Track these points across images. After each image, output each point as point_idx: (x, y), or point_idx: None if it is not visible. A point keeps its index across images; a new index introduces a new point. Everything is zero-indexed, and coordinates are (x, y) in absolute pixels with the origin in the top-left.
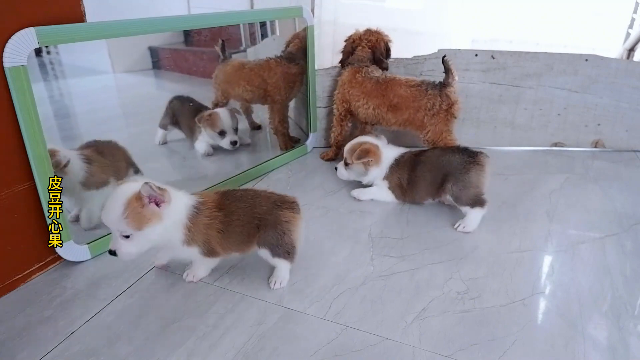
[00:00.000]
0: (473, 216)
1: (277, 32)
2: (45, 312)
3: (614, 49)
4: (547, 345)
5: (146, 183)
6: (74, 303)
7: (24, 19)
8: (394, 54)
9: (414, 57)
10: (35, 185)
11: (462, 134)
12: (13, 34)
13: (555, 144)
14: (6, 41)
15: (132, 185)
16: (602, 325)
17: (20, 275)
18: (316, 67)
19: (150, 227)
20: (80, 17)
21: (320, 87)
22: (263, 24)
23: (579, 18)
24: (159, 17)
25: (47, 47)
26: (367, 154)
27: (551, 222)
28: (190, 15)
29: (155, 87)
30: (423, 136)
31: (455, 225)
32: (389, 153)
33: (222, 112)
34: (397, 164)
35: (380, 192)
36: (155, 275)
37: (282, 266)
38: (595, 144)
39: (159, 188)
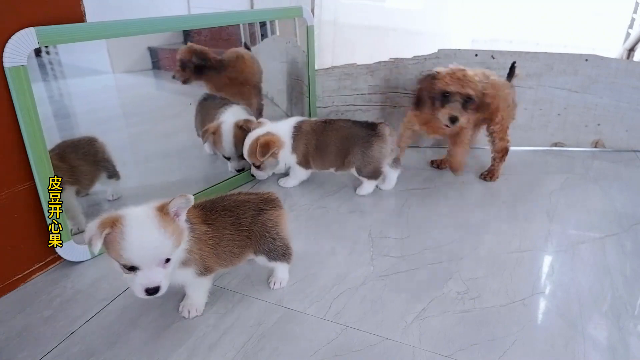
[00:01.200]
0: (369, 185)
1: (277, 32)
2: (45, 312)
3: (614, 49)
4: (547, 345)
5: (182, 196)
6: (74, 303)
7: (24, 19)
8: (394, 53)
9: (414, 57)
10: (35, 185)
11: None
12: (13, 34)
13: (555, 144)
14: (6, 41)
15: (138, 211)
16: (602, 325)
17: (20, 275)
18: (316, 67)
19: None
20: (80, 17)
21: (320, 87)
22: (263, 24)
23: (579, 18)
24: (159, 17)
25: (46, 47)
26: (268, 147)
27: (551, 222)
28: (190, 15)
29: (154, 87)
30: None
31: (356, 191)
32: (282, 127)
33: (226, 137)
34: (299, 130)
35: (297, 172)
36: None
37: (281, 267)
38: (595, 144)
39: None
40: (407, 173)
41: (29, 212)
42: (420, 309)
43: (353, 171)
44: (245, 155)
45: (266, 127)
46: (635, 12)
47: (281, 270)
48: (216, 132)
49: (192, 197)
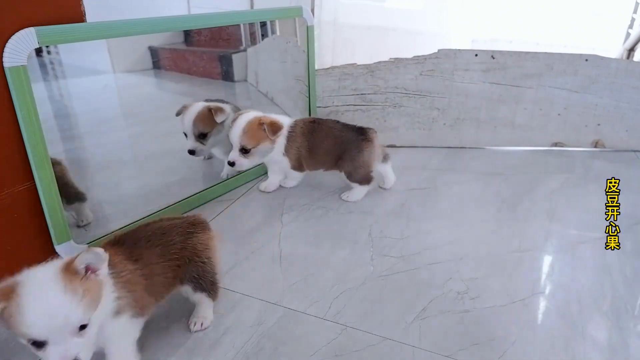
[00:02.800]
0: (359, 190)
1: (277, 32)
2: None
3: (614, 49)
4: (547, 345)
5: (89, 250)
6: None
7: (24, 19)
8: (394, 54)
9: (414, 57)
10: (35, 185)
11: (463, 134)
12: (13, 34)
13: (555, 144)
14: (6, 41)
15: (39, 274)
16: (602, 325)
17: None
18: (316, 67)
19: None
20: (80, 17)
21: (320, 87)
22: (263, 24)
23: (579, 18)
24: (159, 17)
25: (47, 47)
26: (279, 126)
27: (551, 222)
28: (190, 15)
29: (155, 87)
30: None
31: (343, 197)
32: (283, 120)
33: (192, 109)
34: (294, 132)
35: (291, 174)
36: None
37: (205, 302)
38: (595, 144)
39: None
40: (407, 173)
41: (29, 212)
42: (420, 309)
43: (342, 176)
44: (237, 136)
45: (261, 114)
46: (635, 12)
47: (205, 306)
48: (187, 107)
49: (101, 251)
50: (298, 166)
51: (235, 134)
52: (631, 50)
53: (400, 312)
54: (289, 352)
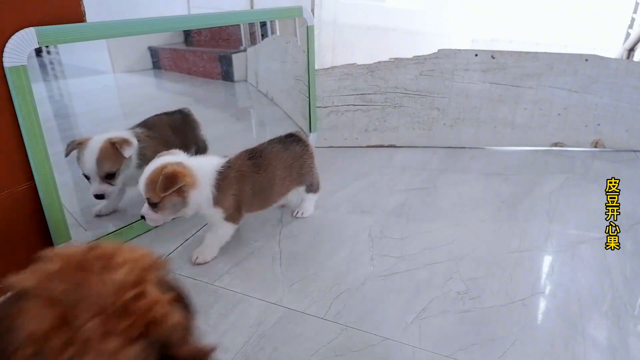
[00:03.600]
0: (312, 201)
1: (278, 32)
2: None
3: (614, 49)
4: (547, 345)
5: None
6: None
7: (23, 19)
8: (394, 53)
9: (414, 57)
10: (35, 185)
11: (462, 134)
12: (13, 34)
13: (555, 144)
14: (6, 41)
15: None
16: (602, 325)
17: None
18: (316, 67)
19: None
20: (80, 17)
21: (320, 87)
22: (263, 24)
23: (579, 18)
24: (159, 17)
25: (47, 47)
26: (175, 179)
27: (551, 222)
28: (190, 15)
29: (155, 87)
30: None
31: (295, 214)
32: (204, 166)
33: (91, 146)
34: (225, 177)
35: (222, 230)
36: None
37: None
38: (595, 144)
39: None
40: (407, 173)
41: (29, 212)
42: (420, 309)
43: (302, 190)
44: (141, 187)
45: (179, 157)
46: (635, 12)
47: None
48: (82, 143)
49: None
50: (236, 215)
51: (140, 183)
52: (631, 50)
53: (400, 312)
54: (288, 352)
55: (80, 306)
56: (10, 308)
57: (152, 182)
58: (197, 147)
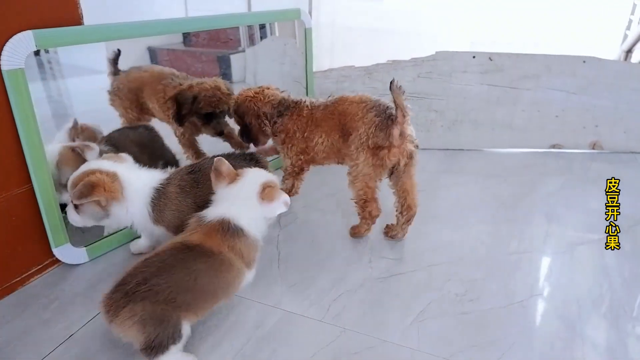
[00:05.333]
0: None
1: (276, 33)
2: (43, 315)
3: (611, 51)
4: (545, 347)
5: None
6: (72, 306)
7: (21, 22)
8: (392, 56)
9: (412, 59)
10: (33, 188)
11: (461, 136)
12: (11, 37)
13: (554, 146)
14: (4, 44)
15: None
16: (601, 326)
17: (18, 278)
18: (314, 70)
19: None
20: (77, 20)
21: (318, 89)
22: (262, 26)
23: (577, 20)
24: (157, 20)
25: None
26: (90, 191)
27: (549, 224)
28: (187, 18)
29: None
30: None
31: None
32: (141, 181)
33: (50, 156)
34: (162, 194)
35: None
36: None
37: None
38: (594, 146)
39: None
40: None
41: (27, 215)
42: (419, 311)
43: None
44: (69, 185)
45: (119, 167)
46: (632, 13)
47: None
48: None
49: None
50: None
51: (69, 182)
52: (629, 51)
53: (398, 314)
54: (287, 354)
55: None
56: None
57: (73, 185)
58: (166, 161)
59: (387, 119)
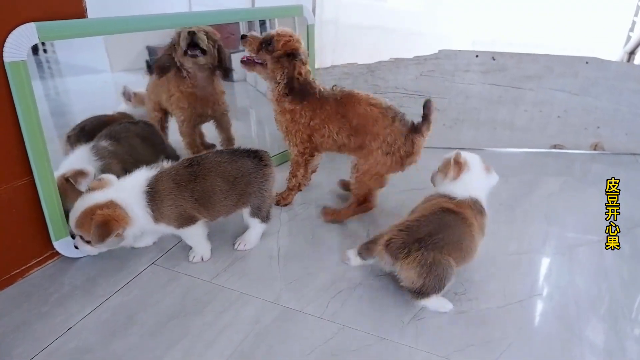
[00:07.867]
0: (259, 230)
1: None
2: (42, 308)
3: (614, 52)
4: (543, 347)
5: None
6: (71, 299)
7: (24, 14)
8: (394, 53)
9: (415, 57)
10: (34, 180)
11: (462, 135)
12: (13, 29)
13: (555, 146)
14: (6, 36)
15: None
16: (599, 328)
17: (18, 270)
18: (316, 66)
19: None
20: (81, 13)
21: None
22: (263, 22)
23: (580, 20)
24: (160, 14)
25: (43, 45)
26: (109, 229)
27: (549, 225)
28: (191, 12)
29: None
30: (359, 166)
31: (236, 246)
32: (131, 192)
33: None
34: (155, 193)
35: (186, 234)
36: (153, 273)
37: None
38: (595, 147)
39: None
40: (406, 173)
41: (28, 207)
42: (418, 309)
43: (246, 212)
44: (72, 224)
45: (109, 191)
46: (636, 15)
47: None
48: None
49: None
50: (187, 221)
51: (71, 223)
52: (632, 53)
53: (397, 312)
54: (285, 350)
55: None
56: None
57: (82, 225)
58: (166, 156)
59: (410, 128)
